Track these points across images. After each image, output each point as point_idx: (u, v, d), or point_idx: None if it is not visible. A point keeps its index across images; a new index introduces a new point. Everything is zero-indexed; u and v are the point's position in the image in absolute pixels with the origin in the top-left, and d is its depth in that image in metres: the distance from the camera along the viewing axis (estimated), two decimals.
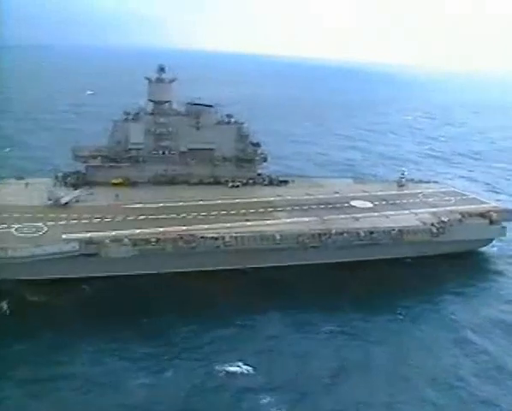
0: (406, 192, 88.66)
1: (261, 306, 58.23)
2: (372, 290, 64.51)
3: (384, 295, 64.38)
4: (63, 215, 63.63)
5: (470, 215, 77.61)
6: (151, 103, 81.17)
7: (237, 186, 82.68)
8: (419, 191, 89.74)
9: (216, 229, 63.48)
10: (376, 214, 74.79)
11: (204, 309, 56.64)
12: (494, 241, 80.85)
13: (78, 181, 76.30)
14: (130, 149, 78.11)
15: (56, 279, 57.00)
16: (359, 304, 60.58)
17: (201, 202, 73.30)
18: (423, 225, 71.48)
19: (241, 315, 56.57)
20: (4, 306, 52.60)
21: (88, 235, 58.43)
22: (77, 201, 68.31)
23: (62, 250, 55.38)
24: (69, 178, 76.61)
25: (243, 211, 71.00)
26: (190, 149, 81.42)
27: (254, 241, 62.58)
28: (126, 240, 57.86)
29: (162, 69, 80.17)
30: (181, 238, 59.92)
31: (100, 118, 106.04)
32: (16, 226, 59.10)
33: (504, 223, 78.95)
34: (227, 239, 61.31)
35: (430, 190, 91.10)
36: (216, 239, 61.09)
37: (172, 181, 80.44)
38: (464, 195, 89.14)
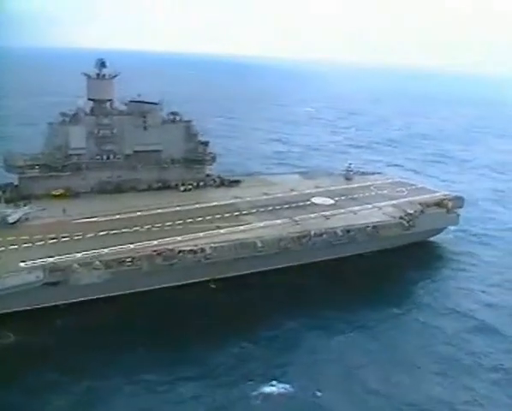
0: (356, 185, 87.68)
1: (271, 314, 54.58)
2: (366, 284, 63.78)
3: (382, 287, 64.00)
4: (11, 237, 53.61)
5: (428, 205, 78.07)
6: (90, 102, 71.93)
7: (189, 189, 76.32)
8: (369, 183, 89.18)
9: (190, 240, 57.25)
10: (342, 211, 72.45)
11: (211, 325, 51.19)
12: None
13: (12, 194, 65.65)
14: (70, 155, 68.52)
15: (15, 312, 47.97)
16: (367, 300, 59.42)
17: (159, 210, 66.25)
18: (394, 220, 70.31)
19: (255, 328, 52.00)
20: None
21: (50, 259, 49.63)
22: (26, 219, 58.28)
23: (24, 281, 46.35)
24: (4, 192, 65.72)
25: (208, 217, 65.09)
26: (136, 151, 73.40)
27: (235, 251, 57.29)
28: (97, 262, 49.90)
29: (102, 64, 71.18)
30: (159, 254, 53.00)
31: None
32: None
33: (457, 211, 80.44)
34: (208, 251, 55.37)
35: (378, 182, 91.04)
36: (195, 252, 54.93)
37: (118, 189, 72.02)
38: (412, 185, 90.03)
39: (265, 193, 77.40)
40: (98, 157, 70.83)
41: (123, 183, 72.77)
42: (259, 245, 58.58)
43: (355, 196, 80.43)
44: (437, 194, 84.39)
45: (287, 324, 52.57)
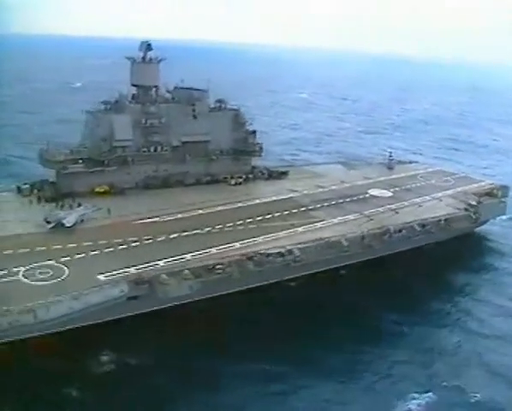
0: (403, 174, 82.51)
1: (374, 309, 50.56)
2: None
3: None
4: (73, 244, 46.13)
5: (480, 195, 73.59)
6: (133, 88, 64.13)
7: (240, 183, 69.64)
8: (413, 173, 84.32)
9: (272, 240, 51.08)
10: (406, 203, 67.08)
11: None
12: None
13: (51, 192, 57.77)
14: (115, 147, 60.77)
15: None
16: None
17: (220, 207, 59.50)
18: (461, 212, 65.28)
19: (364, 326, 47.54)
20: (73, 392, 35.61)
21: (131, 270, 42.49)
22: (81, 221, 50.72)
23: (108, 297, 39.24)
24: (43, 190, 57.81)
25: (277, 214, 58.71)
26: (184, 142, 66.14)
27: (322, 251, 51.23)
28: (186, 271, 43.01)
29: (148, 47, 63.44)
30: (249, 259, 46.45)
31: None
32: (22, 269, 41.02)
33: (504, 200, 76.15)
34: (296, 253, 49.08)
35: (420, 171, 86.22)
36: (283, 255, 48.58)
37: (165, 184, 64.70)
38: (454, 174, 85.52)
39: (319, 186, 71.40)
40: (145, 149, 63.27)
41: (170, 177, 65.47)
42: (345, 244, 52.63)
43: (408, 187, 75.27)
44: (484, 184, 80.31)
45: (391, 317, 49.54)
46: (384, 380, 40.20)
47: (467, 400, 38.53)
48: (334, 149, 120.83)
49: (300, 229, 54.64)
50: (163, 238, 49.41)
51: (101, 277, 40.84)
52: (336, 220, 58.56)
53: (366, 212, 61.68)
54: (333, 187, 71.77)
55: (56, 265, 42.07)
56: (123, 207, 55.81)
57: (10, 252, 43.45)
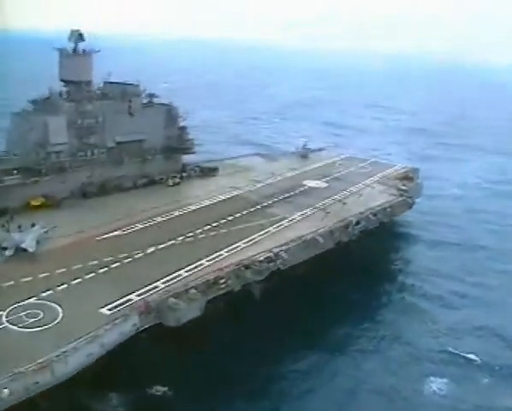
0: (321, 163, 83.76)
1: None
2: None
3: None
4: (44, 273, 38.24)
5: (400, 179, 77.77)
6: (63, 84, 55.43)
7: (178, 183, 64.72)
8: (329, 161, 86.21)
9: (254, 245, 48.08)
10: (347, 193, 68.01)
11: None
12: None
13: None
14: (49, 153, 52.17)
15: None
16: None
17: (177, 212, 54.80)
18: (398, 198, 68.03)
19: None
20: None
21: (134, 297, 36.58)
22: (38, 243, 42.27)
23: (124, 334, 33.30)
24: None
25: (238, 214, 55.53)
26: (119, 143, 59.26)
27: (302, 250, 49.45)
28: (193, 291, 38.28)
29: (80, 36, 55.05)
30: (248, 268, 42.96)
31: None
32: (3, 314, 32.89)
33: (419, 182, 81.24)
34: (284, 256, 46.61)
35: (335, 158, 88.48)
36: (272, 260, 45.87)
37: (103, 190, 57.48)
38: (365, 160, 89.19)
39: (255, 181, 69.39)
40: (82, 153, 55.38)
41: (107, 183, 58.29)
42: (321, 241, 51.45)
43: (336, 176, 76.64)
44: (397, 167, 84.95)
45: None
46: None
47: None
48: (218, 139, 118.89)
49: (271, 230, 52.26)
50: (140, 254, 43.57)
51: (105, 311, 34.51)
52: (296, 217, 57.09)
53: (318, 205, 61.29)
54: (269, 181, 70.25)
55: (41, 302, 34.51)
56: (73, 222, 48.14)
57: None
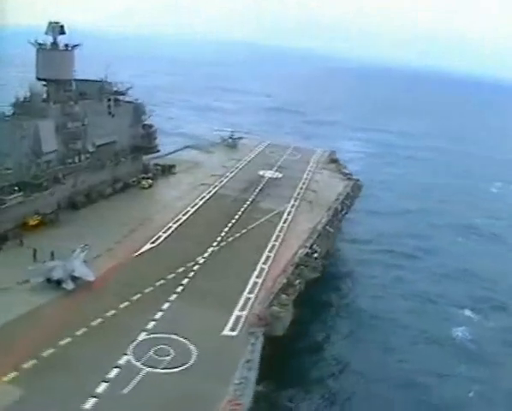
0: (252, 154, 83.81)
1: None
2: None
3: None
4: (122, 303, 33.44)
5: (328, 162, 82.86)
6: (40, 84, 47.07)
7: (151, 185, 60.17)
8: (258, 150, 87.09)
9: (284, 242, 47.60)
10: (305, 181, 70.07)
11: None
12: None
13: None
14: (39, 163, 44.54)
15: None
16: None
17: (184, 217, 51.33)
18: (353, 181, 71.95)
19: None
20: None
21: (242, 314, 34.21)
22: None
23: (259, 351, 31.21)
24: None
25: (239, 213, 54.17)
26: (98, 146, 52.89)
27: (324, 242, 50.04)
28: (284, 297, 37.02)
29: (61, 29, 47.06)
30: (306, 266, 42.71)
31: None
32: (129, 356, 28.29)
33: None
34: (318, 250, 46.94)
35: (259, 147, 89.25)
36: (323, 257, 46.25)
37: (89, 199, 51.15)
38: (287, 146, 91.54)
39: (215, 175, 67.40)
40: (70, 160, 48.32)
41: (91, 190, 51.91)
42: (332, 231, 53.05)
43: (279, 164, 77.97)
44: (319, 151, 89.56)
45: None
46: None
47: None
48: None
49: (281, 225, 52.06)
50: (195, 265, 40.39)
51: (228, 333, 31.87)
52: (288, 208, 57.33)
53: (295, 196, 62.40)
54: (228, 175, 68.74)
55: (158, 336, 30.42)
56: (89, 240, 41.36)
57: (68, 340, 29.08)
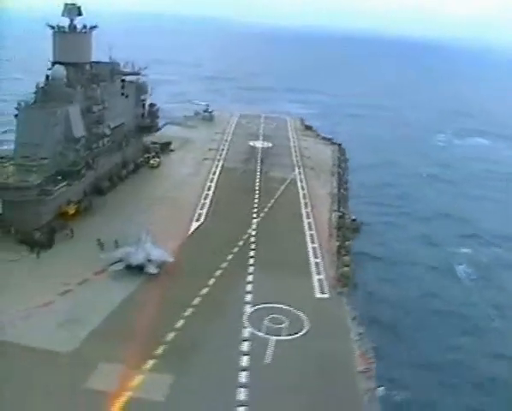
0: (233, 124, 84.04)
1: None
2: None
3: None
4: (203, 289, 32.54)
5: (305, 129, 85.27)
6: (62, 68, 44.11)
7: (159, 164, 59.18)
8: (234, 120, 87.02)
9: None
10: (293, 148, 71.56)
11: None
12: None
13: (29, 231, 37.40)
14: (76, 149, 42.48)
15: None
16: None
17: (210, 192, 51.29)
18: (332, 145, 74.47)
19: None
20: None
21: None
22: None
23: None
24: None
25: (257, 181, 54.88)
26: (113, 128, 50.96)
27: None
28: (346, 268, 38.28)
29: (78, 10, 44.19)
30: (348, 228, 44.72)
31: None
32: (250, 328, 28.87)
33: None
34: (348, 213, 49.21)
35: (233, 118, 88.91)
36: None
37: (112, 184, 49.69)
38: (259, 116, 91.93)
39: (212, 150, 67.21)
40: (95, 145, 46.45)
41: (112, 174, 50.43)
42: (345, 194, 55.36)
43: (265, 134, 78.15)
44: (290, 119, 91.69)
45: None
46: None
47: None
48: None
49: (301, 191, 53.42)
50: (251, 238, 40.93)
51: (320, 296, 33.24)
52: (297, 176, 58.57)
53: (295, 163, 63.85)
54: (222, 147, 68.69)
55: (265, 306, 30.92)
56: (133, 226, 40.30)
57: (182, 322, 28.98)
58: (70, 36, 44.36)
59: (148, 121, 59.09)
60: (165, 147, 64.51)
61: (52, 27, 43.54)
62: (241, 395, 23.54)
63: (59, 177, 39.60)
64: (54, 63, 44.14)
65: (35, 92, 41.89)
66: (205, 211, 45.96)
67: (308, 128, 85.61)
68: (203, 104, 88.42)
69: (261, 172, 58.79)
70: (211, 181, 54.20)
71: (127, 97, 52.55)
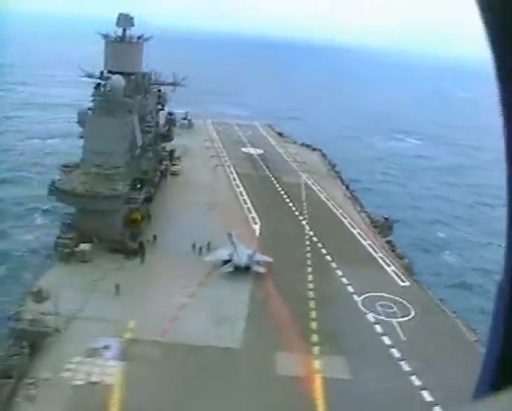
0: (214, 132, 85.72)
1: None
2: None
3: None
4: (309, 284, 36.05)
5: (279, 135, 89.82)
6: (120, 78, 44.16)
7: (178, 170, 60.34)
8: (213, 128, 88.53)
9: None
10: (285, 155, 75.27)
11: None
12: None
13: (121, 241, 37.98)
14: (149, 158, 43.72)
15: None
16: None
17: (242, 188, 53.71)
18: (313, 151, 79.36)
19: None
20: None
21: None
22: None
23: None
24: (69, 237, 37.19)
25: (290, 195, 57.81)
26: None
27: None
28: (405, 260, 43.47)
29: (131, 20, 44.44)
30: (382, 226, 49.71)
31: None
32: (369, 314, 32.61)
33: None
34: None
35: (209, 125, 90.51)
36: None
37: (155, 191, 50.50)
38: (231, 124, 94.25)
39: (213, 156, 69.11)
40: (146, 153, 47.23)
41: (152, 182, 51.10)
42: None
43: (250, 141, 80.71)
44: (259, 124, 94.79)
45: None
46: None
47: None
48: None
49: (326, 196, 57.32)
50: (314, 237, 44.39)
51: (404, 284, 37.74)
52: (307, 181, 62.20)
53: (296, 168, 67.66)
54: (223, 155, 70.53)
55: (370, 295, 34.82)
56: (199, 229, 42.27)
57: (313, 313, 32.05)
58: (125, 46, 44.74)
59: (166, 129, 59.72)
60: (172, 155, 65.30)
61: (105, 36, 43.68)
62: (405, 366, 27.30)
63: (139, 185, 40.25)
64: (108, 72, 44.29)
65: (92, 101, 41.96)
66: (255, 214, 48.38)
67: (280, 134, 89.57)
68: (181, 111, 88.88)
69: (275, 177, 61.79)
70: (238, 187, 56.39)
71: (163, 106, 53.13)
